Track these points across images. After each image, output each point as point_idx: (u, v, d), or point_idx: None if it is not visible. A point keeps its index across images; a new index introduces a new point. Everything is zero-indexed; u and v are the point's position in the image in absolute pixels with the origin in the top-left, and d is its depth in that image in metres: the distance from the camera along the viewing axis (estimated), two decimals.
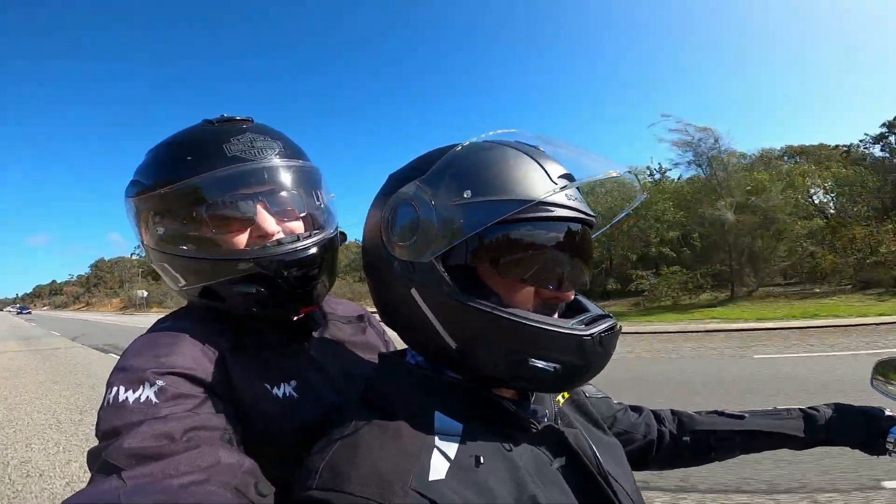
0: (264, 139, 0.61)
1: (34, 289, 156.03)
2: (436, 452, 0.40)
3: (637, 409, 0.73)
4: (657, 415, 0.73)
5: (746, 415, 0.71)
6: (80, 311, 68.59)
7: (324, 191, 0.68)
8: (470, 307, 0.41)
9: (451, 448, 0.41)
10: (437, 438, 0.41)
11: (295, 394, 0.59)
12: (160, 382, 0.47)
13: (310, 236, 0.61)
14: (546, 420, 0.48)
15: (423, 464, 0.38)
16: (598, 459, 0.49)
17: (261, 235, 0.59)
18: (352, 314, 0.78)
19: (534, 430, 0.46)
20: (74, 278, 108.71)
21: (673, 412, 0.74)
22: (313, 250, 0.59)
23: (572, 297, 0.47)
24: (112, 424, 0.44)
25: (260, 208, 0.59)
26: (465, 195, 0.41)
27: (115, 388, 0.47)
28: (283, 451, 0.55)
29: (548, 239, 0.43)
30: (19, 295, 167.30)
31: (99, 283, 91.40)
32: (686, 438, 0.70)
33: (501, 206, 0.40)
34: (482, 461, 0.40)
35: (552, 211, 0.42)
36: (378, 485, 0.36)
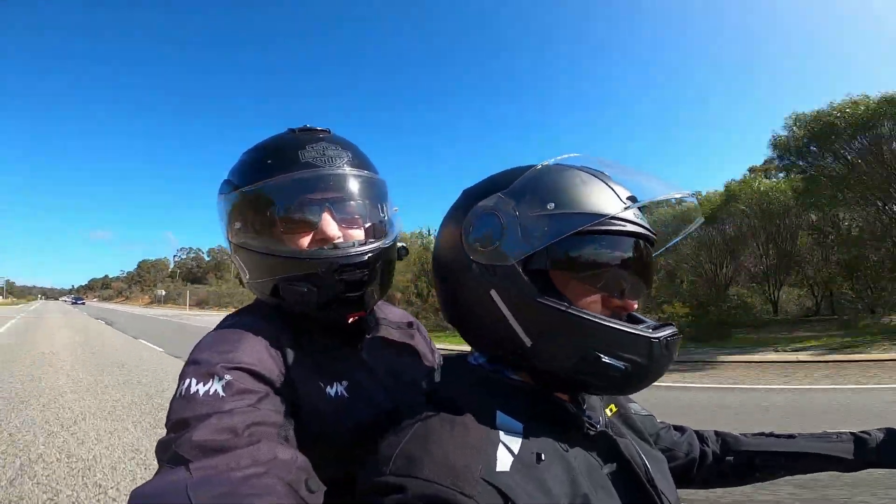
0: (336, 149, 0.66)
1: (89, 281, 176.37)
2: (501, 447, 0.43)
3: (680, 429, 0.75)
4: (700, 435, 0.75)
5: (797, 436, 0.72)
6: (118, 303, 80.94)
7: (387, 203, 0.72)
8: (548, 307, 0.45)
9: (515, 443, 0.43)
10: (501, 434, 0.44)
11: (346, 393, 0.62)
12: (227, 377, 0.51)
13: (365, 244, 0.64)
14: (599, 426, 0.51)
15: (491, 456, 0.41)
16: (648, 468, 0.51)
17: (322, 239, 0.62)
18: (401, 320, 0.82)
19: (591, 433, 0.50)
20: (124, 274, 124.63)
21: (717, 433, 0.75)
22: (366, 257, 0.62)
23: (635, 307, 0.50)
24: (182, 416, 0.47)
25: (325, 213, 0.63)
26: (549, 207, 0.46)
27: (187, 381, 0.51)
28: (335, 451, 0.59)
29: (618, 251, 0.48)
30: (74, 286, 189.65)
31: (140, 280, 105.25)
32: (729, 458, 0.71)
33: (581, 218, 0.45)
34: (543, 458, 0.43)
35: (623, 226, 0.47)
36: (450, 473, 0.38)
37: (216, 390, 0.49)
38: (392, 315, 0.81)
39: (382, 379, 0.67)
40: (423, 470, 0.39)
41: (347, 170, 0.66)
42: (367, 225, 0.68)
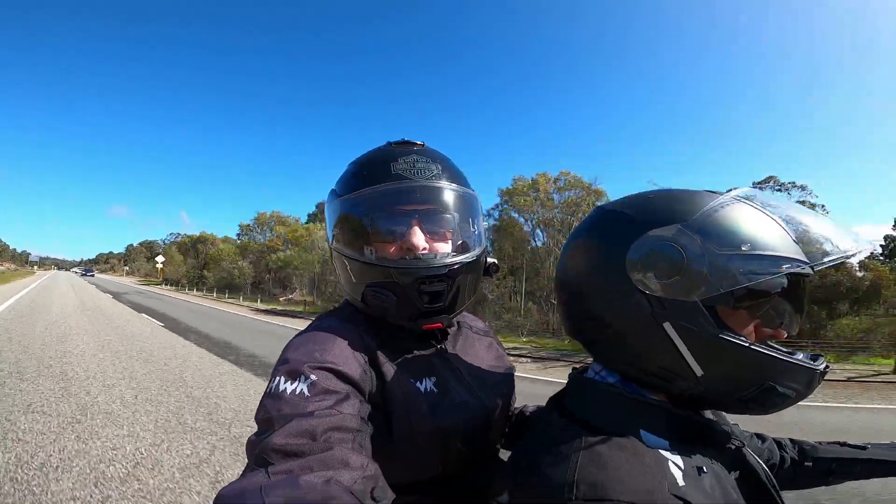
0: (426, 161, 0.68)
1: (96, 255, 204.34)
2: (670, 463, 0.44)
3: (761, 437, 0.78)
4: (778, 442, 0.79)
5: (868, 446, 0.76)
6: (106, 274, 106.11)
7: (477, 218, 0.73)
8: (731, 343, 0.46)
9: (678, 459, 0.45)
10: (661, 452, 0.46)
11: (435, 389, 0.65)
12: (313, 377, 0.54)
13: (447, 256, 0.65)
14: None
15: (670, 473, 0.43)
16: (770, 475, 0.54)
17: (408, 249, 0.64)
18: (480, 327, 0.84)
19: (732, 448, 0.53)
20: (123, 251, 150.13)
21: (792, 440, 0.80)
22: (444, 270, 0.64)
23: (785, 336, 0.52)
24: (269, 414, 0.51)
25: (414, 224, 0.65)
26: (744, 248, 0.46)
27: (277, 378, 0.54)
28: (421, 450, 0.61)
29: (794, 289, 0.49)
30: (84, 259, 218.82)
31: (132, 258, 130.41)
32: (808, 464, 0.76)
33: (779, 261, 0.45)
34: (704, 470, 0.46)
35: (804, 268, 0.46)
36: (643, 493, 0.40)
37: (301, 389, 0.52)
38: (473, 321, 0.84)
39: (470, 382, 0.69)
40: (615, 493, 0.40)
41: (435, 183, 0.67)
42: (457, 238, 0.69)
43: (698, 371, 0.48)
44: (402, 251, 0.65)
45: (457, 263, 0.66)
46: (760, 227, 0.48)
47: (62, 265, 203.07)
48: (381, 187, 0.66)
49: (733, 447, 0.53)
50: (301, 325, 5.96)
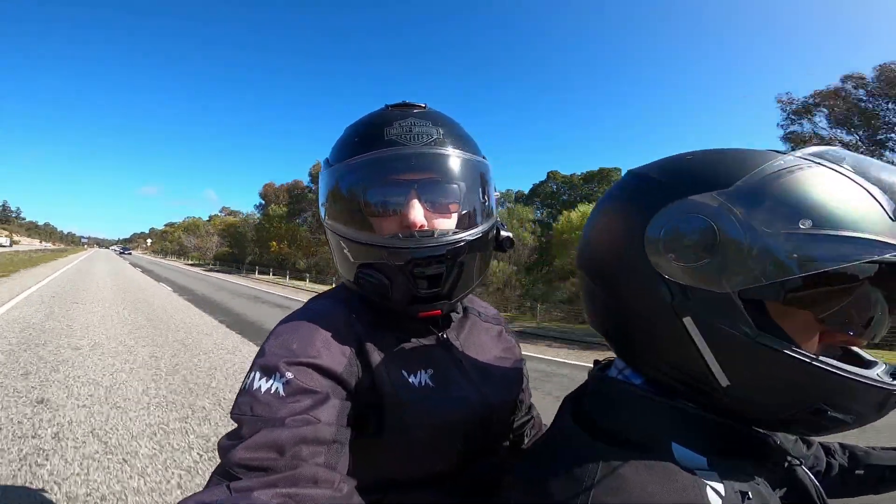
0: (425, 125, 0.59)
1: (131, 235, 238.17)
2: (709, 489, 0.36)
3: (806, 442, 0.67)
4: (826, 447, 0.69)
5: None
6: (136, 251, 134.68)
7: (487, 187, 0.64)
8: (769, 350, 0.35)
9: (718, 484, 0.37)
10: (698, 473, 0.38)
11: (431, 383, 0.59)
12: (289, 374, 0.49)
13: (446, 234, 0.57)
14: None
15: (709, 502, 0.35)
16: (822, 493, 0.46)
17: (405, 225, 0.57)
18: (489, 314, 0.77)
19: (786, 466, 0.43)
20: (157, 229, 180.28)
21: (842, 445, 0.70)
22: (442, 251, 0.56)
23: (864, 343, 0.40)
24: (242, 413, 0.47)
25: (412, 197, 0.57)
26: (803, 225, 0.34)
27: (253, 374, 0.50)
28: (413, 448, 0.57)
29: (886, 279, 0.35)
30: (119, 238, 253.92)
31: (158, 236, 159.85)
32: (860, 472, 0.67)
33: (860, 245, 0.33)
34: (750, 497, 0.37)
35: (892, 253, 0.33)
36: None
37: (277, 388, 0.48)
38: (482, 307, 0.77)
39: (471, 374, 0.63)
40: None
41: (434, 149, 0.58)
42: (461, 211, 0.61)
43: (723, 381, 0.38)
44: (400, 227, 0.57)
45: (458, 242, 0.57)
46: (835, 196, 0.35)
47: (102, 244, 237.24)
48: (371, 154, 0.58)
49: (786, 465, 0.43)
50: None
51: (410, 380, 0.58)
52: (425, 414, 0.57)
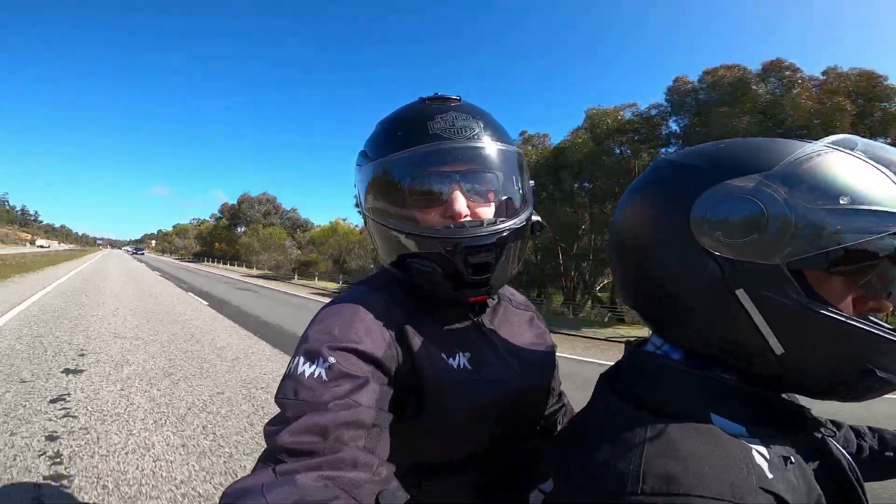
0: (466, 119, 0.62)
1: (142, 236, 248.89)
2: (755, 453, 0.38)
3: (836, 424, 0.68)
4: (855, 429, 0.70)
5: None
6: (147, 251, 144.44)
7: (523, 177, 0.67)
8: (819, 315, 0.38)
9: (761, 448, 0.39)
10: (744, 440, 0.40)
11: (469, 366, 0.61)
12: (331, 359, 0.51)
13: (494, 223, 0.60)
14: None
15: (756, 464, 0.37)
16: (855, 467, 0.46)
17: (451, 216, 0.59)
18: (519, 301, 0.79)
19: (819, 437, 0.45)
20: (156, 232, 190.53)
21: (871, 428, 0.71)
22: (492, 239, 0.59)
23: (891, 308, 0.44)
24: (286, 397, 0.49)
25: (455, 188, 0.59)
26: (842, 201, 0.38)
27: (297, 358, 0.53)
28: (451, 430, 0.58)
29: None
30: (131, 239, 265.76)
31: (161, 238, 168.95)
32: (889, 454, 0.68)
33: (890, 218, 0.37)
34: (792, 461, 0.40)
35: None
36: (727, 486, 0.35)
37: (319, 373, 0.50)
38: (512, 294, 0.79)
39: (507, 358, 0.65)
40: (692, 488, 0.35)
41: (476, 142, 0.61)
42: (501, 200, 0.64)
43: (778, 349, 0.40)
44: (444, 218, 0.59)
45: (505, 230, 0.60)
46: (865, 177, 0.39)
47: (114, 244, 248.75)
48: (420, 148, 0.60)
49: (820, 436, 0.46)
50: None
51: (450, 362, 0.60)
52: (464, 396, 0.58)
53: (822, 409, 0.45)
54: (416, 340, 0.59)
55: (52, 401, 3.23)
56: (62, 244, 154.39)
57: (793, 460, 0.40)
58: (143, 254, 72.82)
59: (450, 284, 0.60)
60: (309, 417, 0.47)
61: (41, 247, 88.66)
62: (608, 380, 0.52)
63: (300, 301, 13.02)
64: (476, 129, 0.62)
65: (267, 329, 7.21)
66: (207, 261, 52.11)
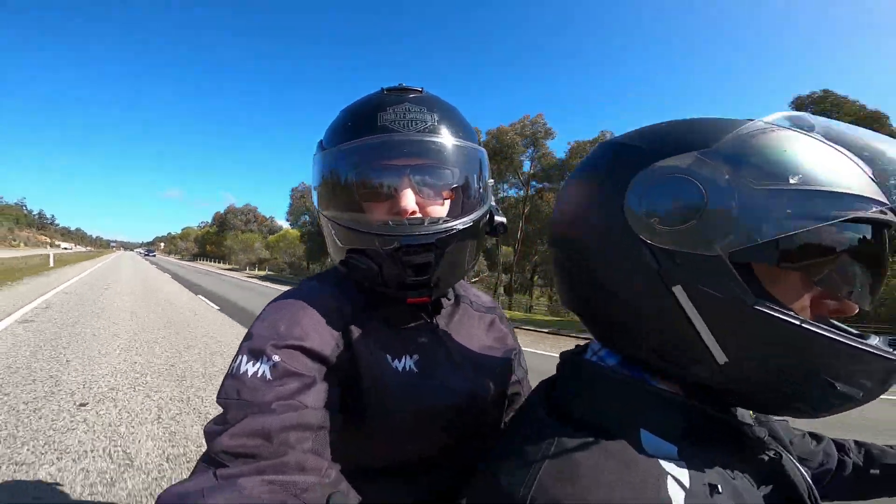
0: (419, 111, 0.59)
1: (153, 238, 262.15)
2: (670, 480, 0.33)
3: (816, 437, 0.65)
4: (838, 444, 0.66)
5: None
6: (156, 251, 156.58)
7: (481, 175, 0.64)
8: (767, 316, 0.33)
9: (683, 474, 0.34)
10: (662, 463, 0.35)
11: (415, 368, 0.59)
12: (276, 357, 0.49)
13: (437, 222, 0.57)
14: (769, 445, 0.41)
15: (661, 493, 0.32)
16: (814, 493, 0.43)
17: (397, 212, 0.57)
18: (483, 303, 0.77)
19: (765, 458, 0.40)
20: (165, 235, 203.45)
21: (857, 442, 0.66)
22: (431, 239, 0.56)
23: (856, 311, 0.38)
24: (228, 397, 0.47)
25: (404, 183, 0.57)
26: (793, 180, 0.33)
27: (240, 357, 0.50)
28: (395, 435, 0.56)
29: (869, 246, 0.35)
30: (143, 241, 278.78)
31: (168, 241, 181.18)
32: (875, 471, 0.63)
33: (846, 201, 0.32)
34: (720, 490, 0.34)
35: (886, 215, 0.34)
36: None
37: (263, 372, 0.48)
38: (475, 296, 0.77)
39: (459, 362, 0.62)
40: None
41: (426, 136, 0.58)
42: (455, 198, 0.62)
43: (720, 357, 0.35)
44: (391, 214, 0.57)
45: (448, 230, 0.57)
46: (820, 156, 0.34)
47: (127, 246, 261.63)
48: (365, 140, 0.57)
49: (766, 458, 0.40)
50: None
51: (394, 364, 0.58)
52: (408, 399, 0.56)
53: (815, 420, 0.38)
54: (361, 339, 0.57)
55: (106, 288, 12.57)
56: (77, 246, 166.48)
57: (720, 489, 0.35)
58: (154, 255, 77.63)
59: (388, 283, 0.58)
60: (252, 419, 0.45)
61: (65, 249, 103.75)
62: (544, 389, 0.48)
63: (237, 281, 22.47)
64: (429, 121, 0.59)
65: (210, 295, 12.82)
66: (200, 259, 67.26)
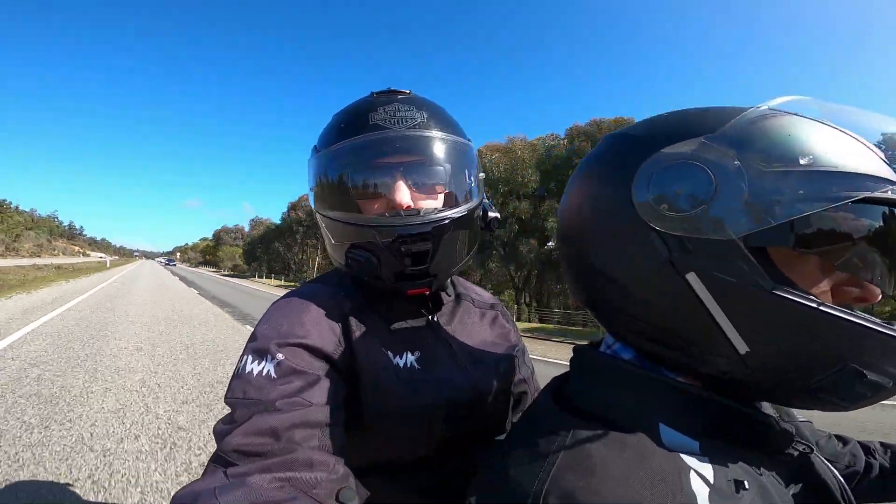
0: (408, 109, 0.62)
1: (173, 248, 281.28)
2: (692, 474, 0.32)
3: (842, 439, 0.63)
4: (865, 446, 0.63)
5: None
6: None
7: (471, 169, 0.66)
8: (789, 302, 0.32)
9: (706, 469, 0.33)
10: (684, 457, 0.34)
11: (417, 365, 0.59)
12: (280, 356, 0.50)
13: (432, 212, 0.59)
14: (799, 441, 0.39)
15: (686, 490, 0.31)
16: (847, 491, 0.41)
17: (392, 206, 0.59)
18: (485, 300, 0.78)
19: (794, 454, 0.39)
20: (183, 245, 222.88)
21: (883, 444, 0.64)
22: (427, 228, 0.57)
23: (879, 297, 0.36)
24: (235, 397, 0.49)
25: (397, 179, 0.59)
26: (803, 161, 0.32)
27: (245, 357, 0.52)
28: (397, 431, 0.57)
29: (890, 223, 0.33)
30: (163, 251, 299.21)
31: (184, 251, 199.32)
32: None
33: (861, 181, 0.31)
34: (746, 486, 0.33)
35: None
36: None
37: (268, 371, 0.49)
38: (477, 294, 0.78)
39: (461, 358, 0.63)
40: None
41: (417, 132, 0.61)
42: (447, 192, 0.63)
43: (741, 346, 0.34)
44: (387, 208, 0.59)
45: (443, 219, 0.58)
46: (827, 137, 0.34)
47: (149, 255, 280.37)
48: (357, 139, 0.60)
49: (796, 453, 0.39)
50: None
51: (395, 361, 0.59)
52: (408, 395, 0.57)
53: (828, 421, 0.39)
54: (361, 336, 0.58)
55: (135, 280, 27.25)
56: (105, 255, 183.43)
57: (747, 485, 0.33)
58: (174, 265, 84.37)
59: (387, 275, 0.59)
60: (259, 418, 0.46)
61: (100, 258, 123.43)
62: (556, 384, 0.47)
63: (212, 276, 37.43)
64: (418, 118, 0.62)
65: (193, 283, 25.04)
66: (202, 266, 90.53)
